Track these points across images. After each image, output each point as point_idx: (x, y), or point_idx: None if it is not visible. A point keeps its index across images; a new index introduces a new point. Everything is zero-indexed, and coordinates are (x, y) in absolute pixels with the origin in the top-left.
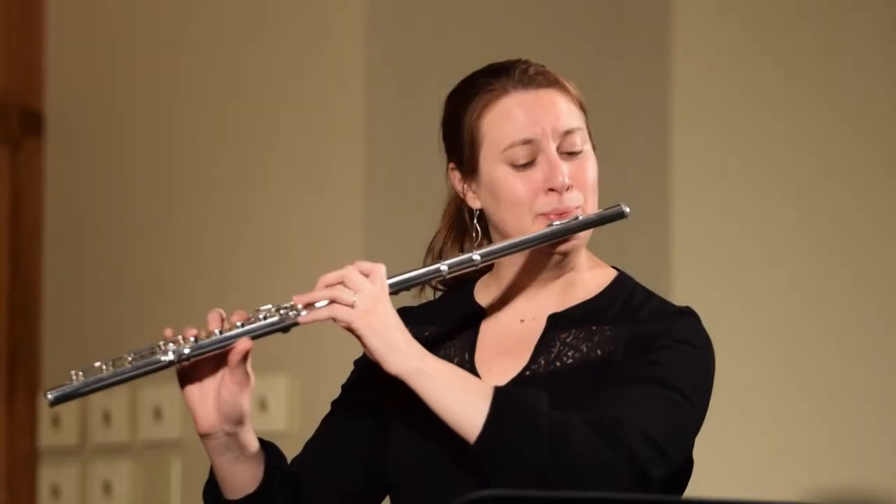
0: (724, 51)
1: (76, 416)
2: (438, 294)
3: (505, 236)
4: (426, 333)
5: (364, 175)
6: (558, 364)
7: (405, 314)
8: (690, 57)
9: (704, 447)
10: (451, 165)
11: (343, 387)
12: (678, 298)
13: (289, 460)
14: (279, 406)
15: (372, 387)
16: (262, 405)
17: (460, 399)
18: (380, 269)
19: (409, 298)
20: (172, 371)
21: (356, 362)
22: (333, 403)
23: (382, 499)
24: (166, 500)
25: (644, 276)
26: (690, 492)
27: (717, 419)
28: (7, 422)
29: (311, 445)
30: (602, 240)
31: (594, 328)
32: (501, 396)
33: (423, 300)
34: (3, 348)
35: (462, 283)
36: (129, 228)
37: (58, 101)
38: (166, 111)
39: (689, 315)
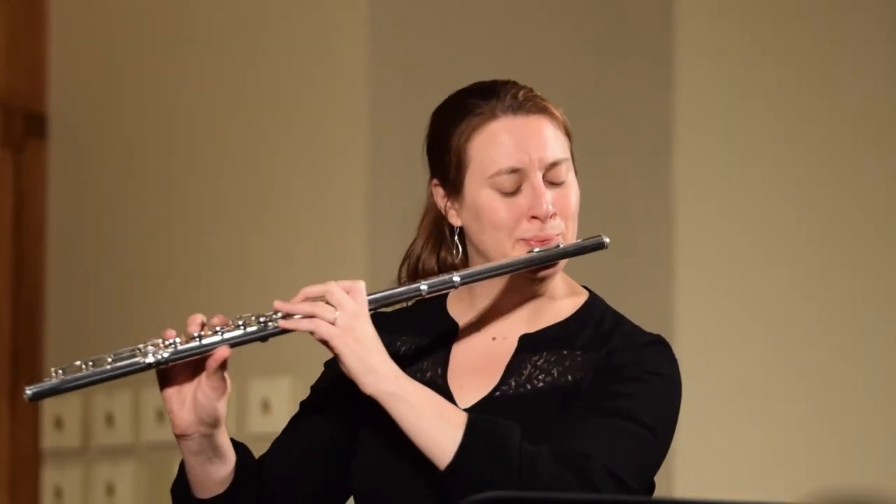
0: (727, 51)
1: (79, 418)
2: (412, 301)
3: (483, 256)
4: (399, 344)
5: (368, 178)
6: (528, 387)
7: (378, 320)
8: (693, 57)
9: (705, 448)
10: (435, 182)
11: (312, 388)
12: (681, 299)
13: None
14: (282, 408)
15: (340, 390)
16: (266, 407)
17: (434, 425)
18: (360, 286)
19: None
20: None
21: (326, 363)
22: (302, 404)
23: (345, 500)
24: (169, 502)
25: (646, 277)
26: (691, 491)
27: (718, 419)
28: (10, 423)
29: (276, 444)
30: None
31: (565, 353)
32: (474, 427)
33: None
34: (7, 349)
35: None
36: (132, 229)
37: (61, 103)
38: (169, 113)
39: (659, 344)
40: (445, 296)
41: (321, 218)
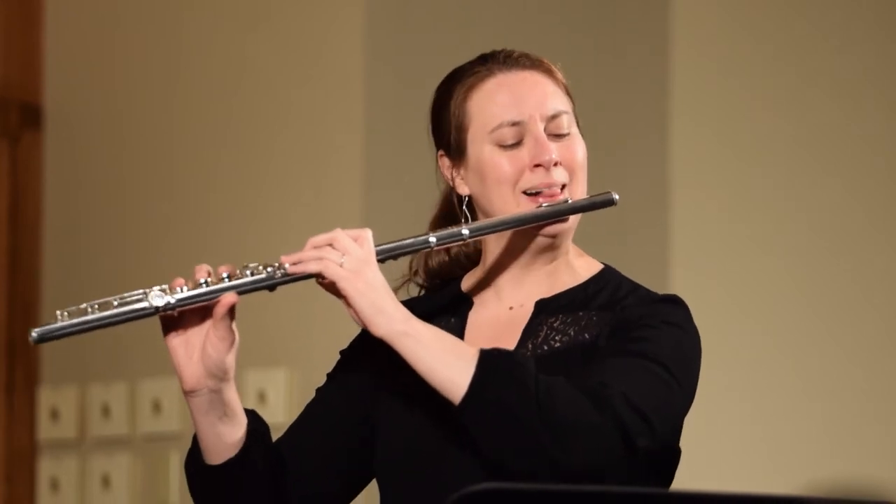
0: (724, 46)
1: (75, 410)
2: (422, 293)
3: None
4: None
5: (363, 170)
6: (546, 347)
7: None
8: (690, 52)
9: (705, 441)
10: (440, 153)
11: (328, 375)
12: (676, 292)
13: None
14: (278, 399)
15: (357, 375)
16: (262, 398)
17: (446, 361)
18: (367, 234)
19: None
20: (171, 366)
21: (342, 352)
22: (318, 390)
23: (366, 483)
24: (165, 494)
25: (642, 270)
26: (689, 484)
27: (716, 413)
28: (6, 415)
29: (293, 428)
30: (601, 233)
31: (581, 314)
32: (488, 356)
33: (407, 297)
34: (2, 342)
35: (447, 281)
36: (128, 223)
37: (57, 95)
38: (165, 105)
39: (675, 302)
40: (459, 278)
41: (316, 214)
